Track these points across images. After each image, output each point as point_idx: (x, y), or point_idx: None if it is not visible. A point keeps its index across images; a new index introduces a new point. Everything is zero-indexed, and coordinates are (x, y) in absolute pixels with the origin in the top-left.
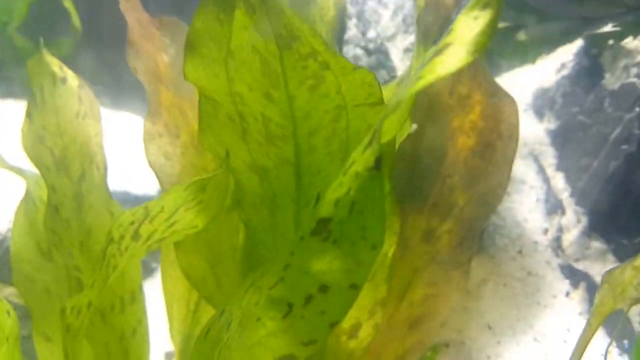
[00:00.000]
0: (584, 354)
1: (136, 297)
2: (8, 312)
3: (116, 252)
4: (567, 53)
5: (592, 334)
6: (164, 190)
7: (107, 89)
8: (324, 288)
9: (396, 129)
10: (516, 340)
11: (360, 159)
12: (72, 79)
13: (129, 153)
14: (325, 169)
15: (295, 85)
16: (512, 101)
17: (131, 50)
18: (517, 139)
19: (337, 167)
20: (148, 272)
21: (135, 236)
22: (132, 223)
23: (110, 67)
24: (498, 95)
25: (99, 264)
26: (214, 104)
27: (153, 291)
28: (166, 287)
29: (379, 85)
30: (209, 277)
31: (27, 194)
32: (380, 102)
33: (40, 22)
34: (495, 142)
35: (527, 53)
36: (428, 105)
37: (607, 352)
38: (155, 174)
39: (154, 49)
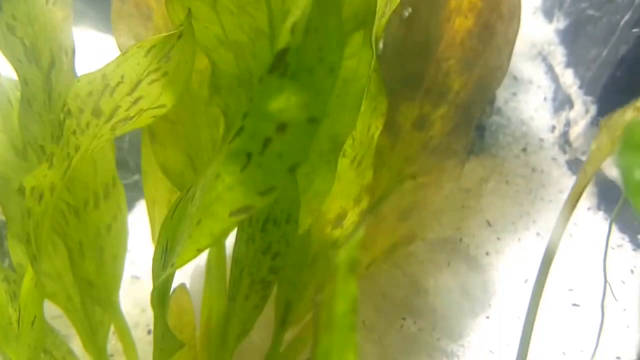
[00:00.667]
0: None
1: (110, 191)
2: None
3: (76, 128)
4: None
5: (587, 182)
6: None
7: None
8: (281, 127)
9: None
10: (517, 236)
11: None
12: None
13: None
14: None
15: None
16: None
17: None
18: (519, 20)
19: None
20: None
21: (96, 111)
22: (90, 94)
23: None
24: None
25: (56, 139)
26: None
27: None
28: (147, 189)
29: None
30: (187, 172)
31: (2, 92)
32: None
33: None
34: (495, 23)
35: None
36: None
37: (608, 236)
38: None
39: None
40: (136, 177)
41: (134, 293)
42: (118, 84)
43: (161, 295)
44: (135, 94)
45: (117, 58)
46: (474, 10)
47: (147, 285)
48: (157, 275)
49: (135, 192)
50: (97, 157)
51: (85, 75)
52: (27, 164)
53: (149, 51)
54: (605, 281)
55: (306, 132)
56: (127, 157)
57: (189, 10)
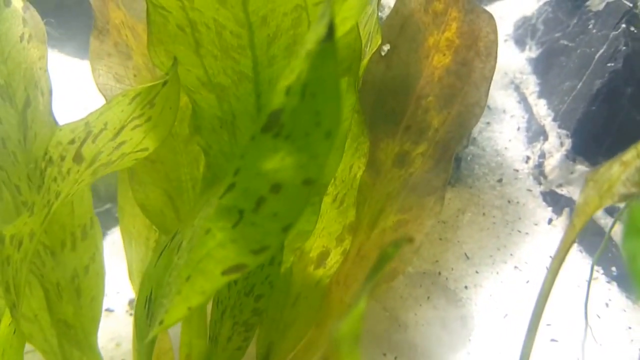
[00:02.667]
0: (565, 277)
1: (87, 232)
2: None
3: (57, 175)
4: None
5: (574, 237)
6: None
7: (67, 38)
8: (276, 187)
9: (357, 15)
10: (495, 269)
11: (311, 36)
12: (17, 0)
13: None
14: None
15: None
16: (490, 17)
17: None
18: (495, 57)
19: None
20: (114, 220)
21: (77, 158)
22: (72, 142)
23: (74, 13)
24: (475, 12)
25: (37, 187)
26: (162, 12)
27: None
28: (124, 225)
29: None
30: (167, 211)
31: None
32: None
33: None
34: (473, 60)
35: None
36: (401, 25)
37: (590, 277)
38: (105, 98)
39: None
40: (107, 205)
41: (108, 327)
42: (101, 130)
43: (148, 357)
44: (118, 139)
45: (102, 106)
46: (451, 47)
47: (121, 319)
48: (142, 330)
49: (107, 221)
50: (74, 198)
51: (67, 124)
52: (1, 203)
53: (133, 99)
54: (587, 324)
55: (301, 194)
56: (99, 185)
57: (175, 58)
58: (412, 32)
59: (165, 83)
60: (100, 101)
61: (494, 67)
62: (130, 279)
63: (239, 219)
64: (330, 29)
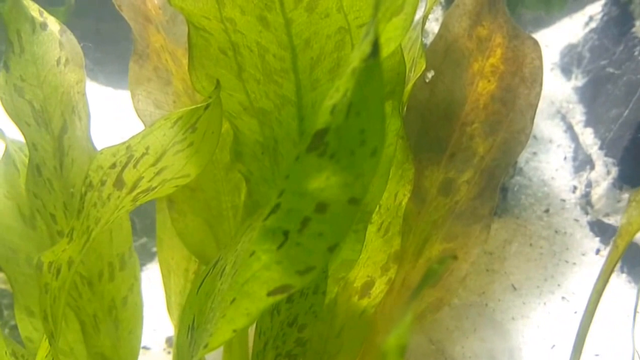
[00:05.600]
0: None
1: (126, 261)
2: None
3: (97, 200)
4: (595, 5)
5: (619, 257)
6: None
7: (101, 66)
8: (321, 207)
9: (401, 36)
10: (543, 300)
11: (356, 54)
12: (53, 24)
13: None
14: None
15: (291, 4)
16: (535, 43)
17: None
18: (541, 83)
19: None
20: (149, 256)
21: (118, 183)
22: (113, 166)
23: (109, 40)
24: (520, 38)
25: (77, 213)
26: (204, 35)
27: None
28: (162, 257)
29: None
30: (208, 241)
31: (7, 155)
32: (389, 17)
33: None
34: (518, 87)
35: (551, 2)
36: (445, 50)
37: (636, 306)
38: (144, 124)
39: None
40: (143, 239)
41: None
42: (143, 155)
43: None
44: (160, 165)
45: (143, 130)
46: (496, 73)
47: (158, 357)
48: (185, 358)
49: (142, 256)
50: (113, 226)
51: (108, 147)
52: (35, 232)
53: (175, 122)
54: (634, 353)
55: (347, 213)
56: (133, 217)
57: (218, 81)
58: (456, 58)
59: (207, 106)
60: (137, 129)
61: (539, 94)
62: (169, 312)
63: (284, 240)
64: (375, 47)
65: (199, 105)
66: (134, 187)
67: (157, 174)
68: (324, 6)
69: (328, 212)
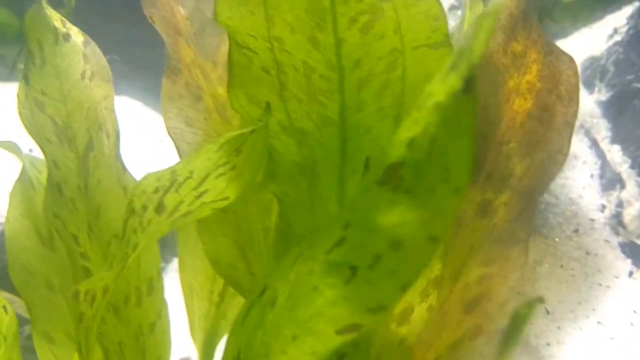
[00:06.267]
0: None
1: (154, 285)
2: (5, 309)
3: (137, 226)
4: (620, 17)
5: None
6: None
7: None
8: (395, 244)
9: (478, 57)
10: (578, 325)
11: (442, 87)
12: (76, 35)
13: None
14: (376, 129)
15: (345, 25)
16: (570, 60)
17: None
18: (577, 101)
19: (390, 126)
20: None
21: (160, 208)
22: (157, 191)
23: (112, 45)
24: (555, 54)
25: (118, 241)
26: (247, 53)
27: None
28: (185, 278)
29: (446, 19)
30: (239, 264)
31: (24, 172)
32: (446, 40)
33: None
34: (555, 105)
35: (578, 15)
36: (480, 66)
37: None
38: (174, 142)
39: None
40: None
41: None
42: (186, 179)
43: None
44: (201, 188)
45: (190, 154)
46: (532, 91)
47: None
48: None
49: None
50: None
51: (154, 172)
52: (54, 254)
53: (221, 146)
54: None
55: (424, 251)
56: None
57: (268, 104)
58: (491, 74)
59: (254, 130)
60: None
61: (576, 113)
62: (192, 336)
63: (351, 276)
64: (469, 83)
65: (246, 130)
66: (174, 211)
67: (198, 197)
68: (381, 28)
69: (403, 249)
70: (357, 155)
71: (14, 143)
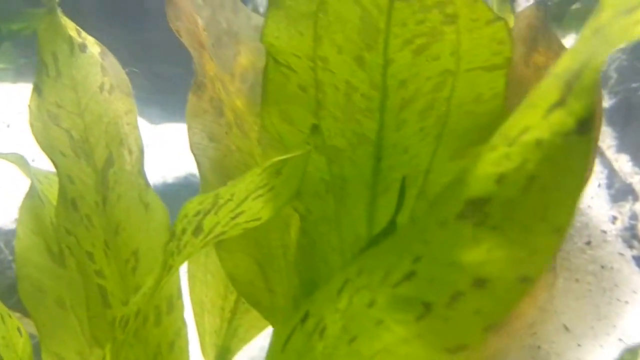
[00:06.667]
0: None
1: (174, 304)
2: (19, 330)
3: (174, 249)
4: None
5: None
6: (202, 176)
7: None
8: (480, 282)
9: (594, 98)
10: (599, 342)
11: (544, 124)
12: (93, 46)
13: None
14: (415, 148)
15: (397, 46)
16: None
17: (170, 7)
18: (600, 117)
19: (430, 145)
20: None
21: (197, 230)
22: (197, 214)
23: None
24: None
25: (160, 265)
26: (285, 71)
27: None
28: (195, 294)
29: (511, 42)
30: (257, 282)
31: (32, 188)
32: (506, 64)
33: None
34: None
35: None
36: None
37: None
38: (195, 158)
39: (192, 7)
40: None
41: None
42: (227, 201)
43: None
44: (238, 210)
45: (237, 179)
46: None
47: None
48: None
49: None
50: None
51: (199, 196)
52: (64, 271)
53: (265, 170)
54: None
55: (515, 291)
56: None
57: (315, 126)
58: (514, 87)
59: (299, 153)
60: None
61: (600, 126)
62: (204, 354)
63: (424, 312)
64: (584, 125)
65: (293, 155)
66: (209, 232)
67: (233, 218)
68: (437, 50)
69: (489, 288)
70: (391, 174)
71: (21, 156)
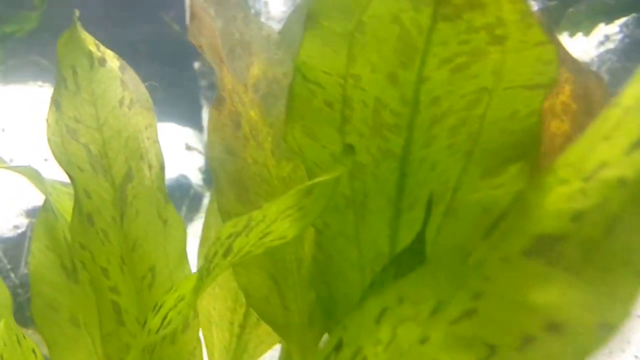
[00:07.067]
0: None
1: (190, 323)
2: (34, 352)
3: (205, 271)
4: (612, 25)
5: None
6: (218, 189)
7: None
8: (554, 327)
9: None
10: None
11: (625, 161)
12: (112, 59)
13: None
14: (443, 165)
15: (434, 64)
16: (598, 78)
17: (193, 23)
18: None
19: (459, 162)
20: None
21: (227, 252)
22: (229, 236)
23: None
24: (584, 72)
25: (188, 291)
26: (312, 87)
27: None
28: (203, 307)
29: (557, 63)
30: (272, 298)
31: (47, 202)
32: (549, 84)
33: None
34: None
35: (580, 25)
36: None
37: None
38: (214, 172)
39: (212, 20)
40: None
41: None
42: (258, 223)
43: None
44: (267, 230)
45: (271, 201)
46: (568, 112)
47: None
48: None
49: None
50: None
51: (235, 219)
52: (77, 287)
53: (298, 191)
54: None
55: (594, 339)
56: None
57: (350, 146)
58: None
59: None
60: None
61: None
62: None
63: (489, 355)
64: None
65: (326, 178)
66: (237, 253)
67: (261, 238)
68: (477, 69)
69: (565, 334)
70: (416, 190)
71: (34, 169)
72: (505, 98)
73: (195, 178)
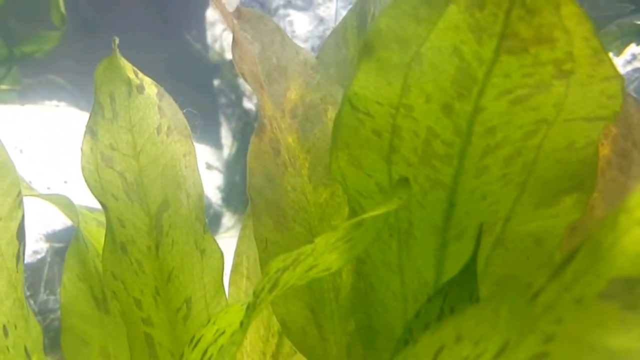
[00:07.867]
0: None
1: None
2: None
3: (252, 308)
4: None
5: None
6: (256, 218)
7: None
8: None
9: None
10: None
11: None
12: (150, 86)
13: None
14: (495, 195)
15: (492, 95)
16: (637, 102)
17: (236, 50)
18: None
19: (512, 193)
20: None
21: (273, 287)
22: (277, 271)
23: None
24: (624, 97)
25: (237, 331)
26: (360, 117)
27: None
28: None
29: (622, 97)
30: (309, 328)
31: (78, 231)
32: (611, 117)
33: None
34: (631, 152)
35: (610, 46)
36: None
37: None
38: (251, 199)
39: (250, 46)
40: None
41: None
42: (307, 257)
43: None
44: (314, 263)
45: (321, 236)
46: (608, 136)
47: None
48: None
49: None
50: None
51: (283, 255)
52: (108, 318)
53: (350, 224)
54: None
55: None
56: None
57: (406, 179)
58: None
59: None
60: None
61: None
62: None
63: None
64: None
65: (378, 212)
66: (283, 286)
67: (307, 271)
68: (537, 101)
69: None
70: (465, 220)
71: (67, 197)
72: (563, 129)
73: (215, 197)
